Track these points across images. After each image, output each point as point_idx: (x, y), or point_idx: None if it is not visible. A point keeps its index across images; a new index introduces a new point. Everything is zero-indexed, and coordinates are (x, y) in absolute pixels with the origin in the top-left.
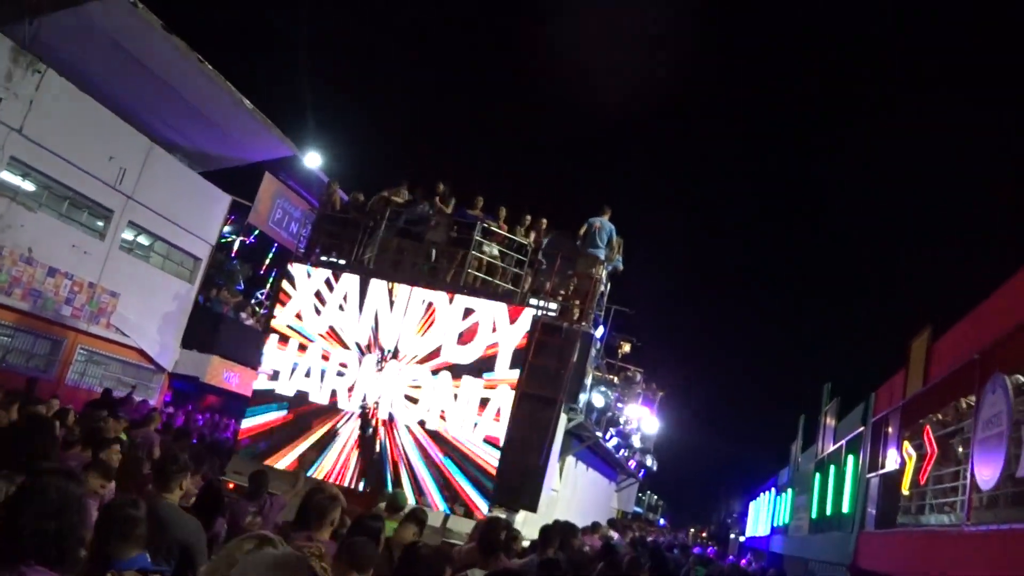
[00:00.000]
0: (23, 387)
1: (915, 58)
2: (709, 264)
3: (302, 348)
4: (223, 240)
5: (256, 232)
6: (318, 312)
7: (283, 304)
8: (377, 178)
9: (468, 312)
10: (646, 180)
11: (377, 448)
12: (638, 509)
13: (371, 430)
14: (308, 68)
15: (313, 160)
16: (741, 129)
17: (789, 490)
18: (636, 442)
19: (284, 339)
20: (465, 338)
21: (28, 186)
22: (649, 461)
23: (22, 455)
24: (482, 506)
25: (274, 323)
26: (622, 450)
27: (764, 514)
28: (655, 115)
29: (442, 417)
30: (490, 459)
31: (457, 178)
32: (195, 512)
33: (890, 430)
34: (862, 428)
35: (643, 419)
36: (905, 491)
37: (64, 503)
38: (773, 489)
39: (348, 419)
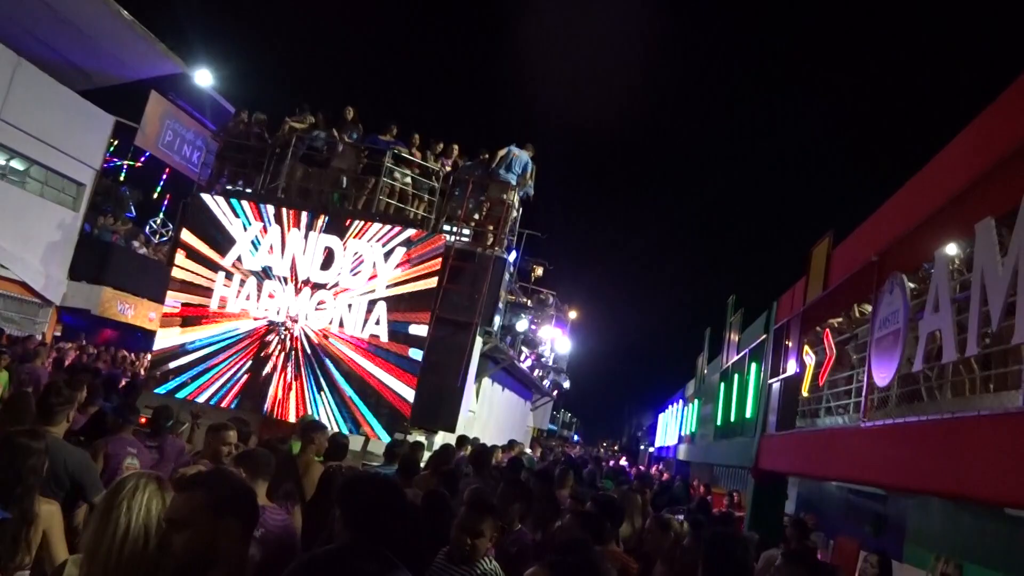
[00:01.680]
0: None
1: None
2: (618, 182)
3: (208, 279)
4: (109, 165)
5: (146, 156)
6: (224, 243)
7: (187, 234)
8: (274, 99)
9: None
10: (553, 99)
11: (290, 376)
12: (552, 427)
13: (284, 357)
14: None
15: (204, 78)
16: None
17: (695, 401)
18: (550, 362)
19: (189, 271)
20: (376, 272)
21: None
22: (563, 380)
23: None
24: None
25: (178, 255)
26: (536, 370)
27: (672, 425)
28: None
29: (358, 343)
30: (407, 385)
31: (363, 101)
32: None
33: (791, 337)
34: (764, 336)
35: (556, 340)
36: (805, 393)
37: None
38: (680, 401)
39: (261, 348)
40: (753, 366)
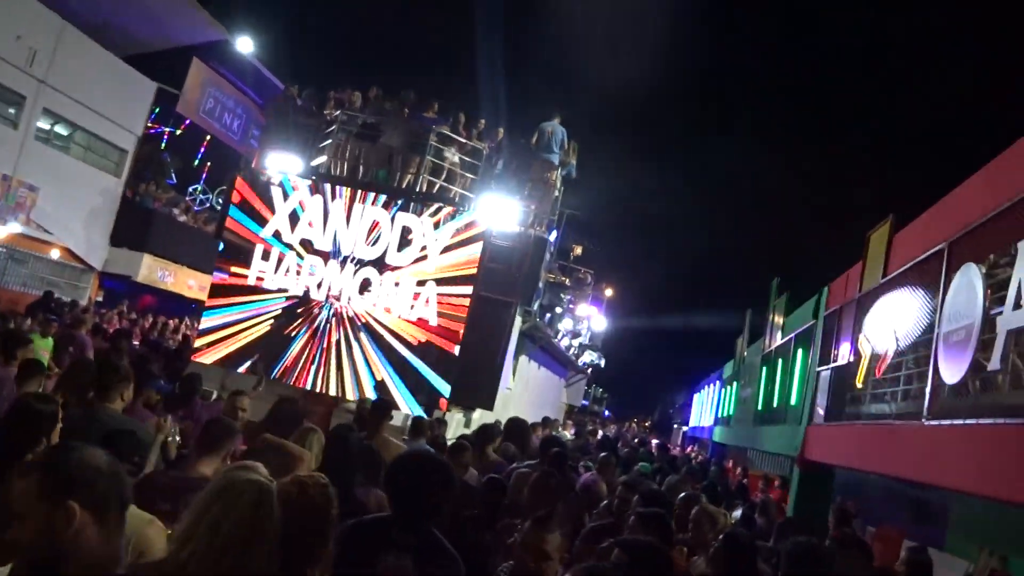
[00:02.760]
0: None
1: None
2: (660, 150)
3: (257, 252)
4: (151, 131)
5: (186, 123)
6: (271, 216)
7: (233, 208)
8: (317, 70)
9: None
10: (595, 81)
11: (339, 351)
12: (585, 402)
13: (332, 331)
14: None
15: (245, 45)
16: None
17: (734, 383)
18: (586, 340)
19: (237, 243)
20: (425, 251)
21: None
22: (597, 358)
23: None
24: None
25: (227, 227)
26: (572, 348)
27: (708, 406)
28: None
29: (407, 320)
30: (447, 361)
31: (400, 75)
32: None
33: (843, 324)
34: (813, 322)
35: (592, 318)
36: (859, 384)
37: None
38: (717, 382)
39: (307, 320)
40: (800, 351)
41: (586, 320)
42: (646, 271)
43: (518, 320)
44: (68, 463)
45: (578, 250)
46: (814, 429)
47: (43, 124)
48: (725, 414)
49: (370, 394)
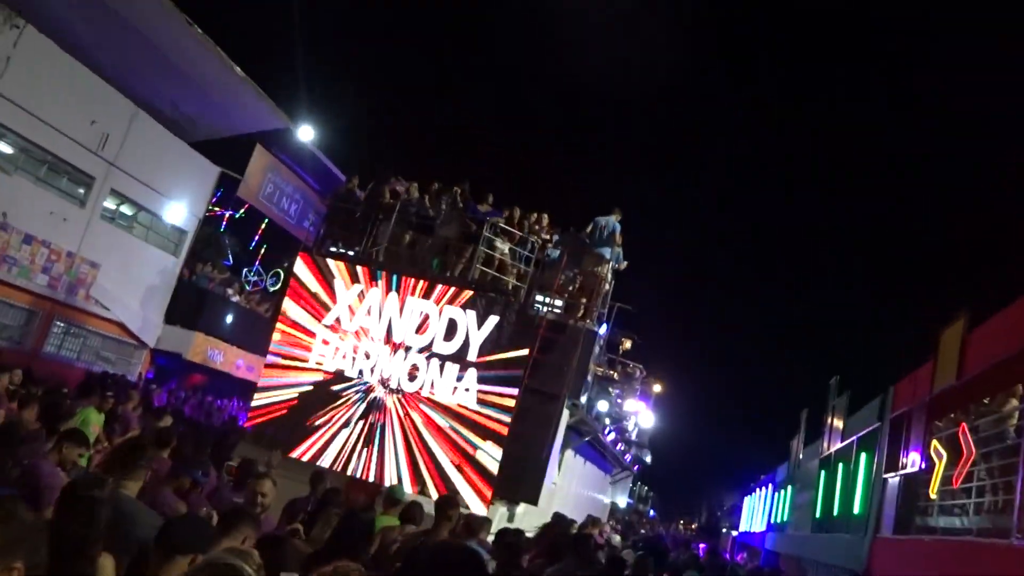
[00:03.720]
0: None
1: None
2: (709, 249)
3: (308, 337)
4: (211, 213)
5: (246, 206)
6: (328, 302)
7: (292, 292)
8: (373, 156)
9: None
10: (648, 172)
11: (383, 437)
12: (630, 500)
13: (378, 418)
14: (303, 39)
15: (306, 134)
16: (741, 113)
17: (788, 487)
18: (633, 436)
19: (292, 326)
20: (468, 339)
21: (4, 148)
22: (644, 455)
23: None
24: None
25: (284, 310)
26: (619, 444)
27: (760, 511)
28: (655, 104)
29: (448, 409)
30: (493, 453)
31: (453, 165)
32: None
33: (913, 428)
34: (878, 424)
35: (639, 413)
36: (933, 495)
37: None
38: (771, 485)
39: (354, 406)
40: (863, 456)
41: (634, 416)
42: (697, 368)
43: (565, 413)
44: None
45: (627, 344)
46: (881, 542)
47: (109, 204)
48: (779, 520)
49: (408, 482)
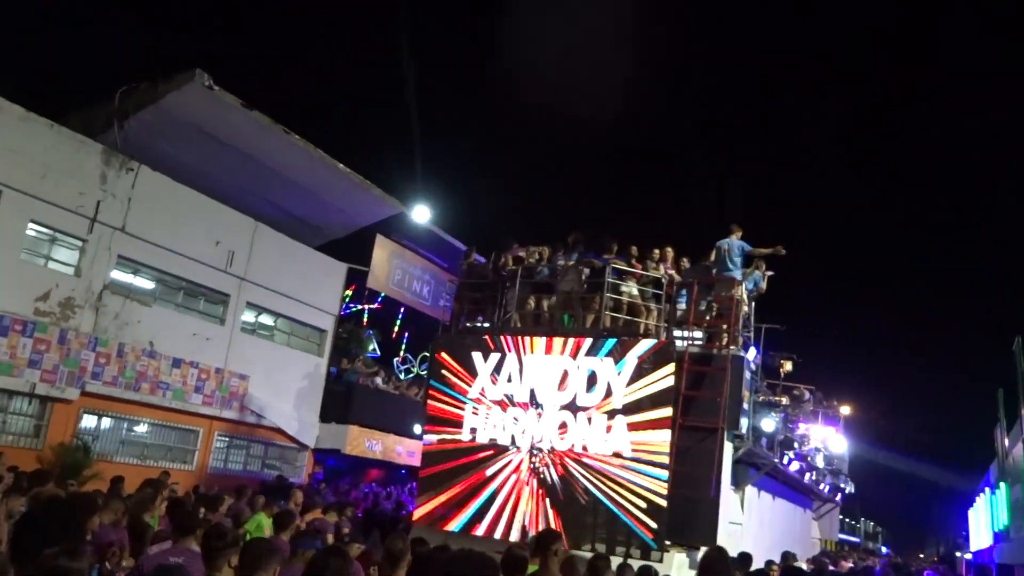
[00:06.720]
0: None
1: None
2: (871, 254)
3: (458, 413)
4: (346, 310)
5: (381, 296)
6: (469, 376)
7: (435, 373)
8: (491, 225)
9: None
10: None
11: (542, 500)
12: (852, 537)
13: (535, 483)
14: (401, 124)
15: (421, 214)
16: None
17: (1002, 485)
18: (819, 462)
19: (441, 406)
20: (611, 387)
21: (140, 282)
22: (842, 483)
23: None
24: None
25: (431, 392)
26: (808, 474)
27: (983, 522)
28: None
29: (603, 459)
30: (658, 498)
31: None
32: None
33: None
34: None
35: (828, 439)
36: None
37: None
38: (987, 489)
39: (515, 472)
40: None
41: (821, 441)
42: (883, 379)
43: (729, 446)
44: None
45: (787, 365)
46: None
47: (247, 317)
48: (1000, 526)
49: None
